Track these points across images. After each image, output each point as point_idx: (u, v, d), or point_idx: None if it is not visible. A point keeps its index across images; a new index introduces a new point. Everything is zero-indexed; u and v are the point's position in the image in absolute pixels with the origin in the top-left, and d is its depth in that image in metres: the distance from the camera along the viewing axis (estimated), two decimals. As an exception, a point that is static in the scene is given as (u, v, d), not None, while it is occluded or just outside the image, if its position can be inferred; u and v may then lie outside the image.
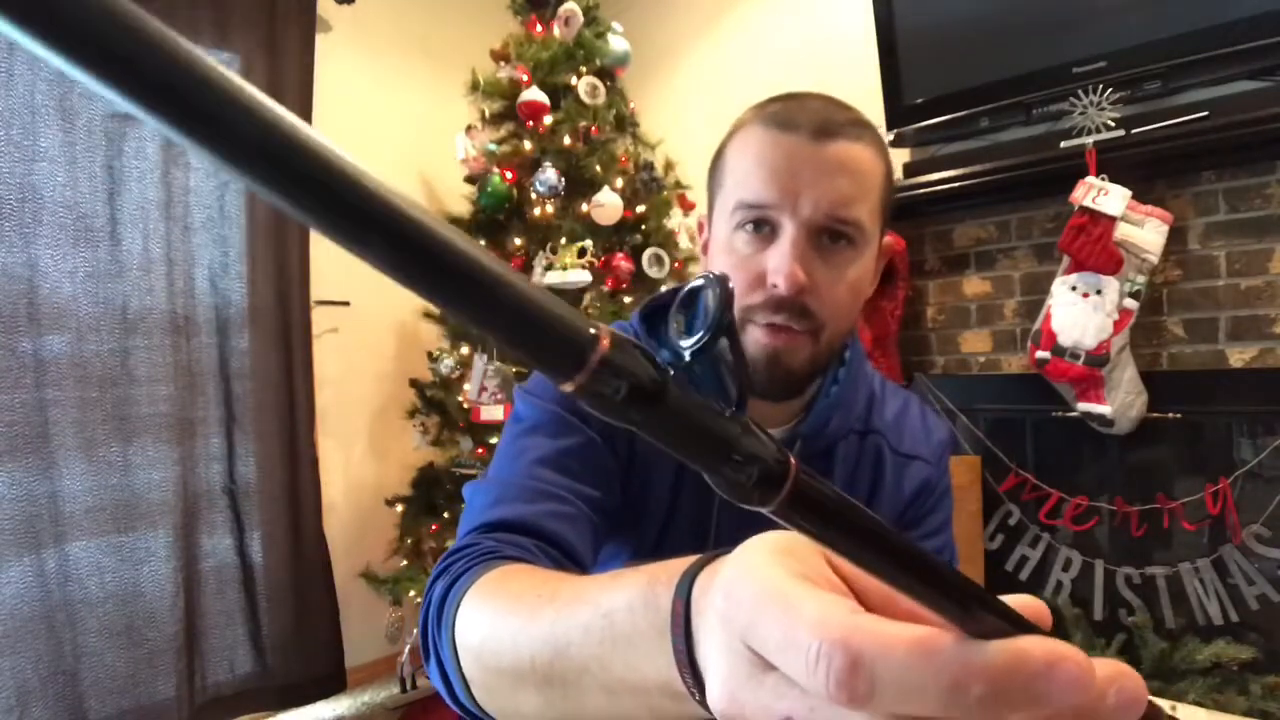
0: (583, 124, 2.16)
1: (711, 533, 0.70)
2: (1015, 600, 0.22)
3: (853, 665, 0.19)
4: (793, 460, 0.19)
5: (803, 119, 0.60)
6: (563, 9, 2.19)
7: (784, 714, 0.21)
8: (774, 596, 0.21)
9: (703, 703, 0.28)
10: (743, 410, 0.19)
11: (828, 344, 0.64)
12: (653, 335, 0.73)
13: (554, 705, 0.37)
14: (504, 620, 0.42)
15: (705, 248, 0.70)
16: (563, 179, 2.12)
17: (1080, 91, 1.68)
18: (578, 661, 0.34)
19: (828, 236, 0.61)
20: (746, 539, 0.26)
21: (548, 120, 2.15)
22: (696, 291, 0.20)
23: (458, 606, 0.47)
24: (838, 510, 0.19)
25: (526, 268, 2.17)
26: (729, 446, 0.18)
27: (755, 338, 0.63)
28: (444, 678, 0.48)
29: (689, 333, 0.19)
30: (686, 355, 0.19)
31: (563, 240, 2.11)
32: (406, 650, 2.25)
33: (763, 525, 0.21)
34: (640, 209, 2.22)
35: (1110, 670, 0.19)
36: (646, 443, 0.62)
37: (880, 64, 2.01)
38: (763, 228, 0.62)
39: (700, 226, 0.71)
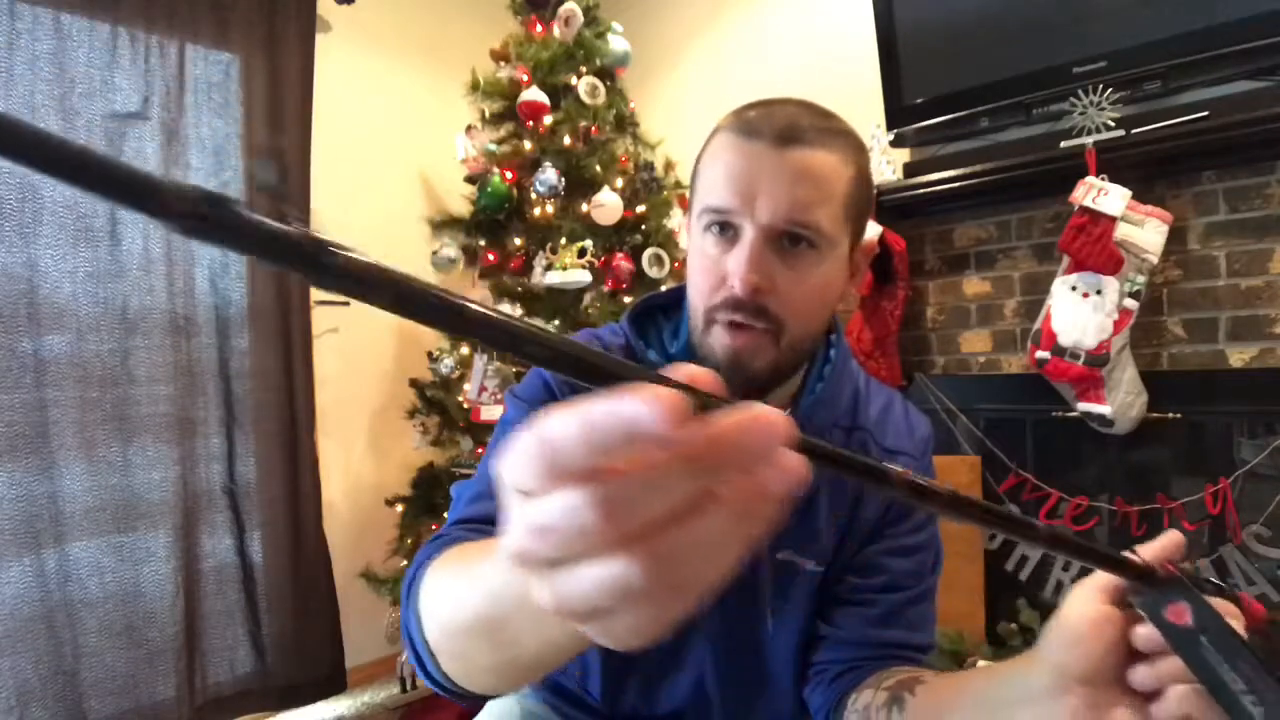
0: (583, 124, 2.16)
1: None
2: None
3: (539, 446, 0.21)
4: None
5: (767, 126, 0.62)
6: (563, 9, 2.19)
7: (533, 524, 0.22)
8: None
9: None
10: None
11: (789, 346, 0.66)
12: (642, 338, 0.75)
13: (500, 649, 0.41)
14: (452, 584, 0.46)
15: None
16: (563, 179, 2.12)
17: (1080, 91, 1.68)
18: (509, 602, 0.37)
19: (788, 240, 0.63)
20: None
21: (548, 120, 2.15)
22: None
23: (421, 585, 0.51)
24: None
25: (526, 268, 2.17)
26: None
27: (718, 338, 0.65)
28: (417, 656, 0.52)
29: None
30: None
31: (563, 240, 2.11)
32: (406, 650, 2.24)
33: None
34: (640, 209, 2.22)
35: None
36: None
37: (880, 64, 2.01)
38: (727, 230, 0.64)
39: (687, 228, 0.73)
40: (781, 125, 0.62)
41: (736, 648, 0.74)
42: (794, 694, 0.76)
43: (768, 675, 0.75)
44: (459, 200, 2.40)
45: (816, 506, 0.72)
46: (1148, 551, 0.37)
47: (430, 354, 2.31)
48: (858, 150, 0.67)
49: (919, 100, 1.96)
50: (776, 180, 0.61)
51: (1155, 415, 1.68)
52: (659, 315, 0.78)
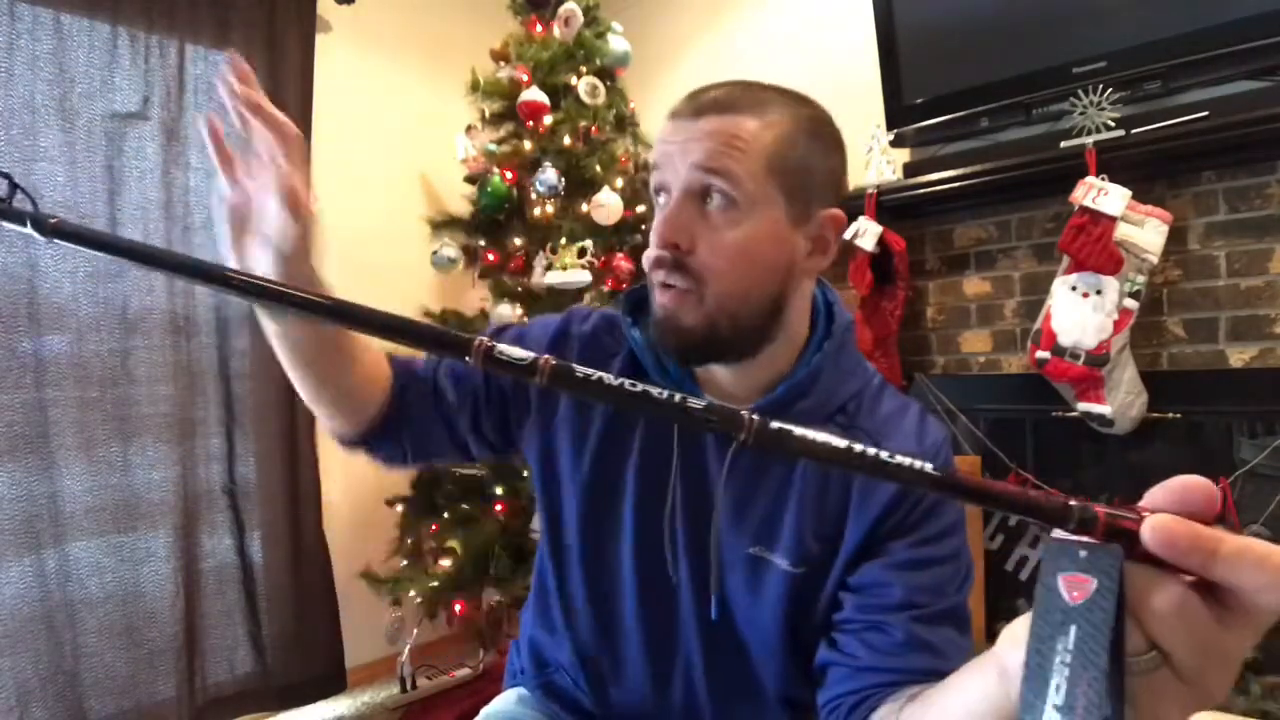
0: (583, 124, 2.16)
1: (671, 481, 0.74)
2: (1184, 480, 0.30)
3: None
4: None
5: (689, 104, 0.67)
6: (563, 9, 2.19)
7: None
8: None
9: None
10: None
11: (718, 305, 0.65)
12: (636, 324, 0.76)
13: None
14: None
15: None
16: (563, 179, 2.12)
17: (1080, 91, 1.68)
18: None
19: (706, 198, 0.65)
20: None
21: (548, 120, 2.15)
22: None
23: None
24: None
25: (526, 268, 2.17)
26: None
27: (656, 299, 0.68)
28: None
29: None
30: None
31: (563, 240, 2.11)
32: (406, 650, 2.25)
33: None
34: (640, 209, 2.22)
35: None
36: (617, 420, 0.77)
37: (880, 64, 2.01)
38: (664, 206, 0.68)
39: None
40: (703, 101, 0.67)
41: (712, 647, 0.74)
42: (781, 704, 0.75)
43: (750, 679, 0.74)
44: (459, 200, 2.39)
45: (785, 504, 0.70)
46: (1159, 494, 0.31)
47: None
48: (792, 118, 0.66)
49: (919, 100, 1.96)
50: (690, 141, 0.65)
51: (1155, 415, 1.68)
52: None
